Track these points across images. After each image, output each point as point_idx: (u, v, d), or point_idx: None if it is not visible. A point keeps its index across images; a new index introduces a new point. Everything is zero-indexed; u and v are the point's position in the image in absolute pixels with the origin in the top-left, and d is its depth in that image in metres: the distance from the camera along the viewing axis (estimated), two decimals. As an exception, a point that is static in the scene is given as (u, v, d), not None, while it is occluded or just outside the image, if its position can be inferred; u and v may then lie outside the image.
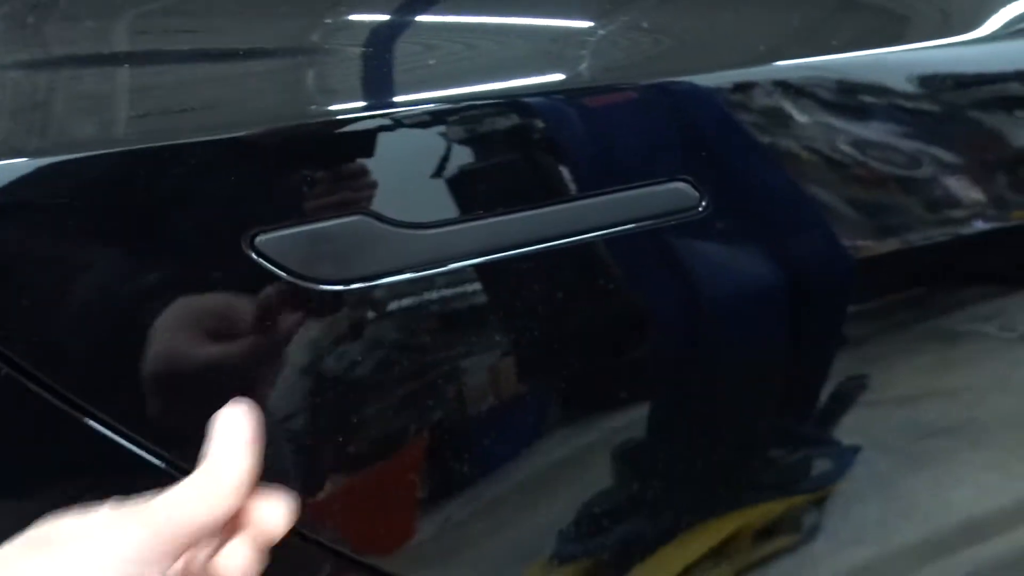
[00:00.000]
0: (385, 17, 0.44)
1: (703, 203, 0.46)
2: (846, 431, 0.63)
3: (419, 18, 0.45)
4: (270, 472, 0.42)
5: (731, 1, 0.49)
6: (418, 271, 0.43)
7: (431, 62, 0.43)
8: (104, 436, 0.39)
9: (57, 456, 0.40)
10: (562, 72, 0.44)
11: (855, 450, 0.65)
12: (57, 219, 0.38)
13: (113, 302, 0.39)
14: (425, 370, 0.44)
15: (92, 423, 0.39)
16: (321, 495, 0.44)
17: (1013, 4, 0.58)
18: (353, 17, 0.45)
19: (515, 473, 0.50)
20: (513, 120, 0.43)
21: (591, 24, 0.46)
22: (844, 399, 0.62)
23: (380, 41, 0.44)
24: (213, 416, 0.36)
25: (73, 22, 0.42)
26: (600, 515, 0.54)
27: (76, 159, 0.38)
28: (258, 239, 0.40)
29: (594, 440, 0.52)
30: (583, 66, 0.44)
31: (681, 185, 0.44)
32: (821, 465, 0.65)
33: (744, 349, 0.54)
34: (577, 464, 0.52)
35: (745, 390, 0.56)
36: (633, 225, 0.45)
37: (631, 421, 0.52)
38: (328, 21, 0.44)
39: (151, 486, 0.34)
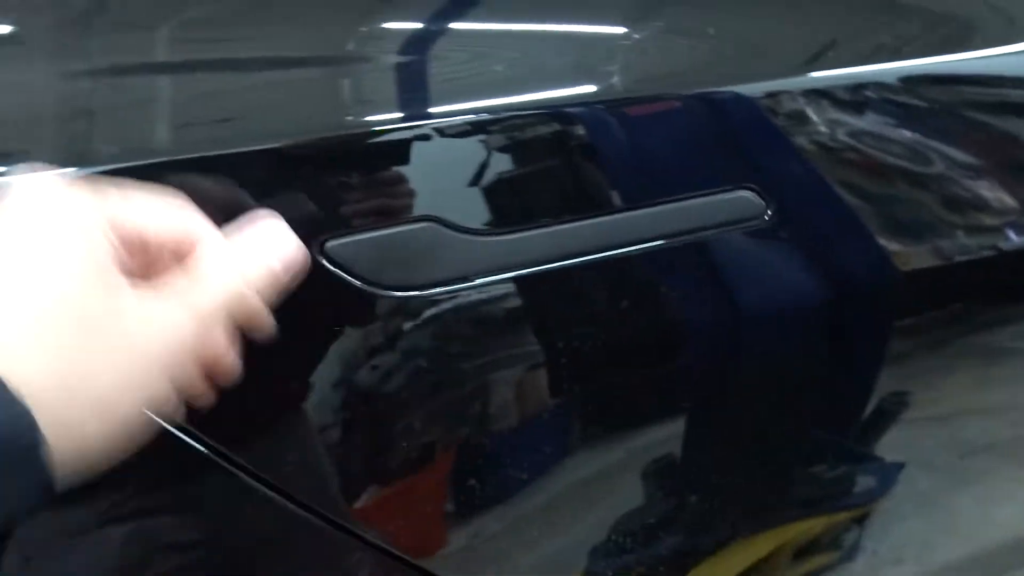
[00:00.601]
0: (452, 24, 0.45)
1: (768, 212, 0.46)
2: (889, 448, 0.63)
3: (487, 25, 0.46)
4: (334, 470, 0.42)
5: (791, 7, 0.49)
6: (484, 277, 0.43)
7: (498, 68, 0.43)
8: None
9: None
10: (629, 80, 0.44)
11: (898, 467, 0.64)
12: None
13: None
14: (486, 376, 0.45)
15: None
16: (369, 494, 0.44)
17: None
18: (414, 25, 0.45)
19: (552, 486, 0.50)
20: (581, 128, 0.44)
21: (654, 32, 0.46)
22: (887, 415, 0.62)
23: (443, 48, 0.45)
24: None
25: (132, 31, 0.43)
26: (636, 532, 0.53)
27: (151, 164, 0.39)
28: (328, 245, 0.41)
29: (628, 455, 0.52)
30: (650, 74, 0.45)
31: (747, 194, 0.45)
32: (863, 482, 0.64)
33: (790, 362, 0.54)
34: (614, 479, 0.52)
35: (788, 404, 0.56)
36: (698, 234, 0.45)
37: (668, 435, 0.52)
38: (392, 28, 0.45)
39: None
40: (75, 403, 0.29)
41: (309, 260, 0.38)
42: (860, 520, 0.65)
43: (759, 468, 0.57)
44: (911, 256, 0.55)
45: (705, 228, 0.45)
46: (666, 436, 0.52)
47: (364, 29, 0.44)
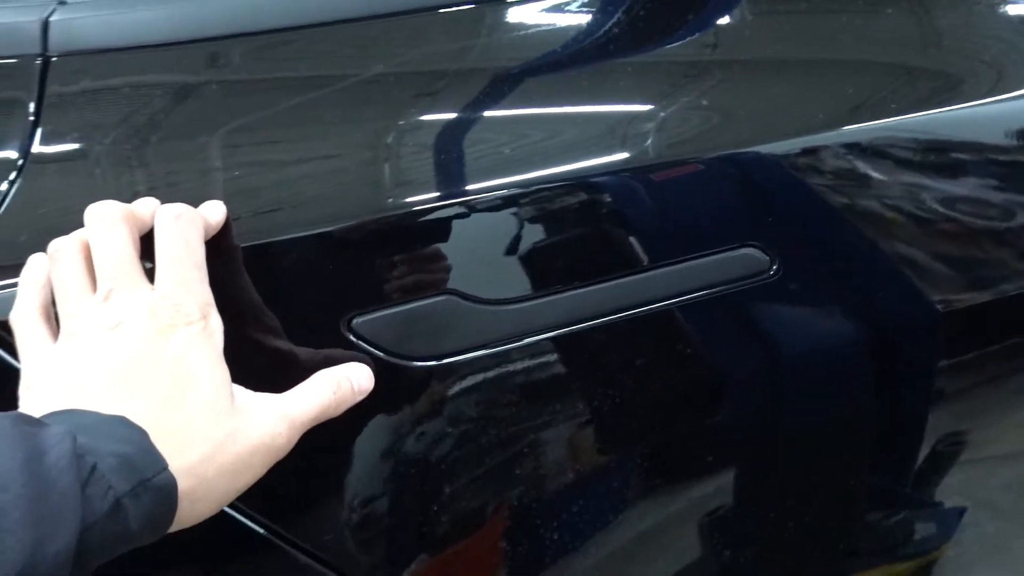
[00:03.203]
0: (455, 113, 0.48)
1: (774, 266, 0.47)
2: (948, 492, 0.61)
3: (486, 113, 0.49)
4: (374, 540, 0.44)
5: (784, 76, 0.51)
6: (503, 345, 0.45)
7: (505, 151, 0.46)
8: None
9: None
10: (628, 151, 0.46)
11: (960, 512, 0.62)
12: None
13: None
14: (514, 441, 0.46)
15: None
16: (413, 566, 0.46)
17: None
18: (424, 117, 0.49)
19: (601, 545, 0.50)
20: (584, 199, 0.46)
21: (652, 105, 0.49)
22: (943, 458, 0.60)
23: (452, 134, 0.48)
24: None
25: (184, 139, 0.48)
26: None
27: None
28: (355, 321, 0.44)
29: (680, 509, 0.52)
30: (647, 144, 0.47)
31: (751, 250, 0.46)
32: (924, 529, 0.62)
33: (830, 409, 0.53)
34: (664, 534, 0.52)
35: (834, 452, 0.55)
36: (708, 291, 0.46)
37: (717, 488, 0.52)
38: (401, 122, 0.48)
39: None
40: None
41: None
42: (924, 569, 0.62)
43: (812, 519, 0.56)
44: (952, 293, 0.54)
45: (715, 285, 0.46)
46: (710, 492, 0.52)
47: (387, 123, 0.48)
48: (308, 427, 0.41)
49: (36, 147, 0.46)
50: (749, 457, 0.52)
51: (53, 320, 0.41)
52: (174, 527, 0.36)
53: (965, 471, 0.60)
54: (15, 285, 0.41)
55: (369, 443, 0.45)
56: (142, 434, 0.35)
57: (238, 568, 0.45)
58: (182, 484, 0.35)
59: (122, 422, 0.34)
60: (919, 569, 0.62)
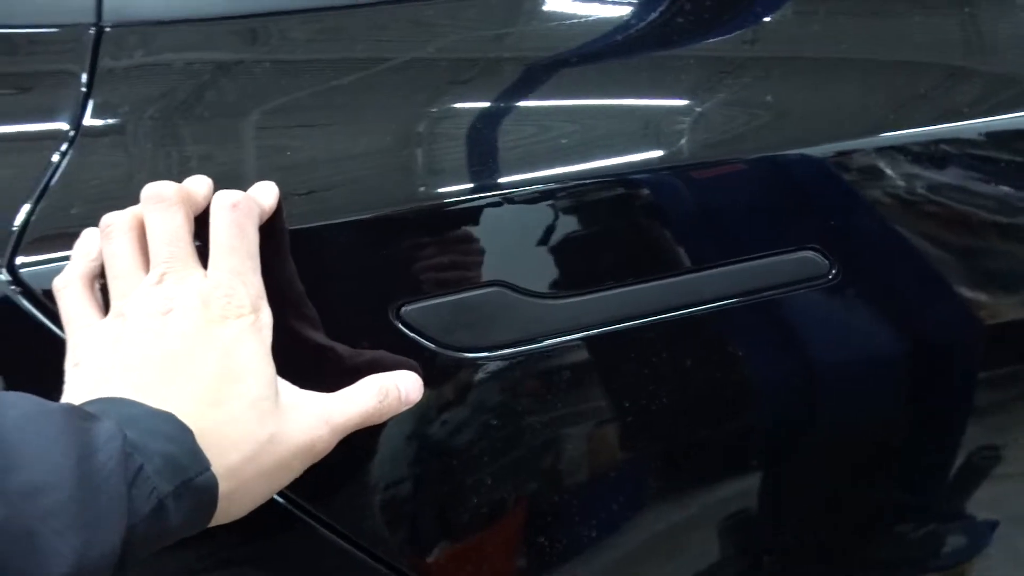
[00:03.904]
0: (513, 102, 0.48)
1: (833, 271, 0.46)
2: (980, 505, 0.60)
3: (543, 102, 0.48)
4: (408, 525, 0.43)
5: (854, 75, 0.50)
6: (551, 339, 0.44)
7: (564, 141, 0.45)
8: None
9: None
10: (688, 146, 0.46)
11: (991, 525, 0.62)
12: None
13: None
14: (552, 433, 0.46)
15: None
16: (441, 554, 0.46)
17: None
18: (481, 104, 0.48)
19: (627, 541, 0.50)
20: (640, 194, 0.45)
21: (715, 100, 0.48)
22: (976, 470, 0.59)
23: (510, 121, 0.47)
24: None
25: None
26: None
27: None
28: (404, 309, 0.43)
29: (708, 510, 0.51)
30: (709, 140, 0.46)
31: (810, 253, 0.45)
32: (953, 541, 0.62)
33: (867, 418, 0.53)
34: (689, 534, 0.52)
35: (866, 460, 0.55)
36: (762, 294, 0.45)
37: (747, 491, 0.52)
38: (463, 107, 0.48)
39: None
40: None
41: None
42: (952, 582, 0.62)
43: (841, 528, 0.55)
44: (996, 307, 0.54)
45: (771, 288, 0.45)
46: (737, 495, 0.51)
47: (435, 109, 0.47)
48: (349, 432, 0.40)
49: (87, 120, 0.46)
50: (782, 461, 0.52)
51: (99, 294, 0.41)
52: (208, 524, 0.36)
53: (998, 485, 0.59)
54: (66, 259, 0.41)
55: (412, 430, 0.44)
56: (188, 433, 0.34)
57: (271, 545, 0.45)
58: (223, 486, 0.35)
59: (169, 419, 0.34)
60: (947, 582, 0.62)
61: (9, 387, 0.41)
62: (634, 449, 0.47)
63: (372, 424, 0.41)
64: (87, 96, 0.47)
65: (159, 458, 0.32)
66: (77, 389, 0.37)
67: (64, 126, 0.46)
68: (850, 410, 0.51)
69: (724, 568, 0.53)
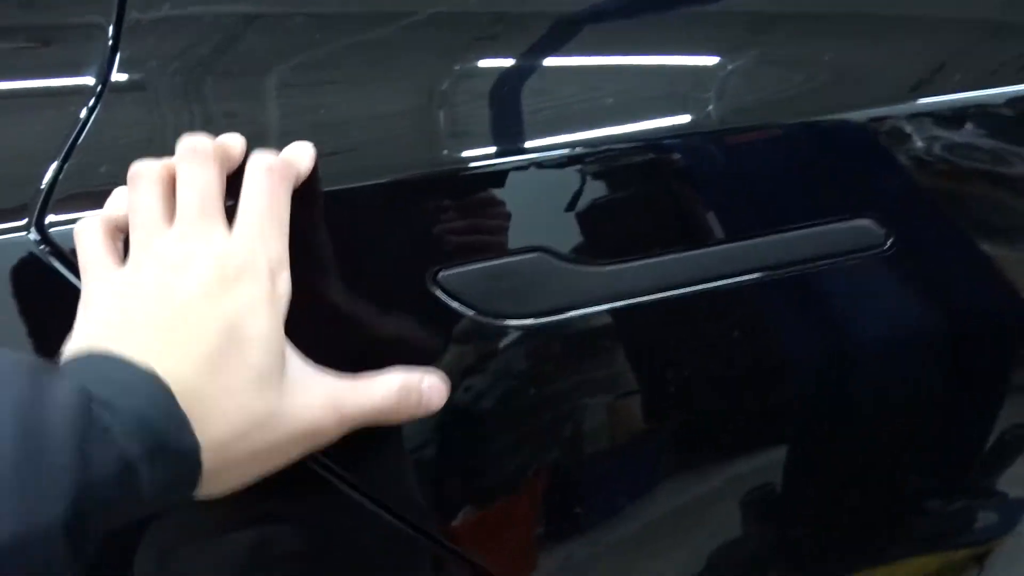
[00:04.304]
0: (556, 59, 0.46)
1: (889, 240, 0.44)
2: (1013, 482, 0.59)
3: (597, 59, 0.46)
4: (437, 491, 0.42)
5: (918, 33, 0.48)
6: (593, 306, 0.43)
7: (609, 101, 0.44)
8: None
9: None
10: (738, 108, 0.44)
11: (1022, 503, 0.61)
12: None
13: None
14: (588, 401, 0.45)
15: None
16: (470, 515, 0.45)
17: None
18: (524, 62, 0.46)
19: (649, 513, 0.49)
20: (686, 158, 0.44)
21: (765, 61, 0.46)
22: (1010, 447, 0.59)
23: (556, 82, 0.45)
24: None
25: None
26: (738, 564, 0.52)
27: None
28: (441, 275, 0.42)
29: (734, 481, 0.50)
30: (763, 101, 0.44)
31: (866, 222, 0.43)
32: (984, 518, 0.61)
33: (903, 391, 0.52)
34: (714, 507, 0.51)
35: (900, 434, 0.54)
36: (813, 263, 0.44)
37: (775, 462, 0.51)
38: (503, 65, 0.46)
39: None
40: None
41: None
42: (980, 558, 0.61)
43: (871, 501, 0.55)
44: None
45: (822, 257, 0.44)
46: (770, 466, 0.50)
47: (475, 66, 0.45)
48: (358, 426, 0.38)
49: (115, 74, 0.45)
50: (816, 433, 0.51)
51: (120, 245, 0.39)
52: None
53: (1030, 462, 0.58)
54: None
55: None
56: (168, 394, 0.32)
57: (300, 502, 0.44)
58: (207, 459, 0.33)
59: (150, 379, 0.32)
60: (975, 558, 0.61)
61: (38, 349, 0.40)
62: (674, 420, 0.46)
63: (384, 423, 0.39)
64: (114, 50, 0.45)
65: (131, 419, 0.30)
66: (79, 338, 0.36)
67: (91, 81, 0.44)
68: (893, 384, 0.49)
69: (756, 541, 0.52)
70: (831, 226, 0.43)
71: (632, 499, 0.47)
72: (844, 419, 0.49)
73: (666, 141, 0.43)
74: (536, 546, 0.46)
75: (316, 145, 0.41)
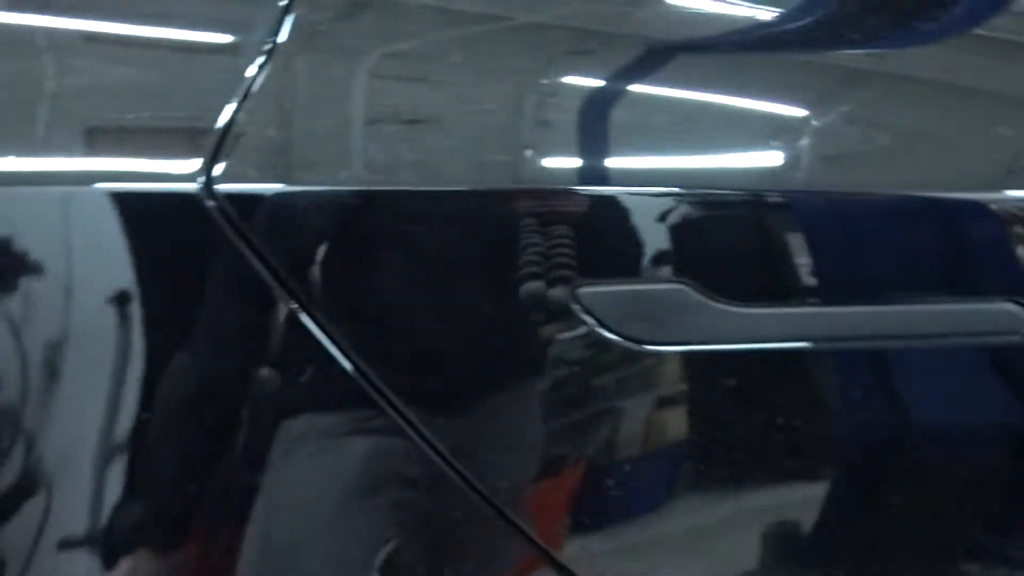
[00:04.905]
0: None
1: (1029, 329, 0.44)
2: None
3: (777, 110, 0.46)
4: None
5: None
6: (726, 345, 0.43)
7: (785, 154, 0.43)
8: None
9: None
10: (914, 177, 0.44)
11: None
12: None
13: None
14: (710, 439, 0.45)
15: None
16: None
17: None
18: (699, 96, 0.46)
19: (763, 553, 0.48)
20: (843, 215, 0.44)
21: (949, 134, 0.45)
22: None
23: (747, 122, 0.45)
24: None
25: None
26: None
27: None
28: (581, 290, 0.42)
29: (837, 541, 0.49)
30: (939, 173, 0.44)
31: (1012, 307, 0.43)
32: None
33: (975, 465, 0.52)
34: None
35: (955, 501, 0.54)
36: (950, 339, 0.44)
37: (857, 530, 0.50)
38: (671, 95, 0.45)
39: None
40: None
41: None
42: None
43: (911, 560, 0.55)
44: None
45: (958, 335, 0.44)
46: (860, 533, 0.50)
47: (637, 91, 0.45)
48: None
49: (284, 35, 0.44)
50: (919, 504, 0.49)
51: None
52: None
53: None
54: (261, 179, 0.40)
55: (570, 410, 0.44)
56: None
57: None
58: None
59: None
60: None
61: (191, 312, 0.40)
62: (779, 467, 0.46)
63: None
64: (286, 10, 0.45)
65: None
66: None
67: (261, 40, 0.44)
68: (996, 467, 0.50)
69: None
70: (976, 305, 0.43)
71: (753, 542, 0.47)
72: (951, 495, 0.50)
73: (830, 197, 0.43)
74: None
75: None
